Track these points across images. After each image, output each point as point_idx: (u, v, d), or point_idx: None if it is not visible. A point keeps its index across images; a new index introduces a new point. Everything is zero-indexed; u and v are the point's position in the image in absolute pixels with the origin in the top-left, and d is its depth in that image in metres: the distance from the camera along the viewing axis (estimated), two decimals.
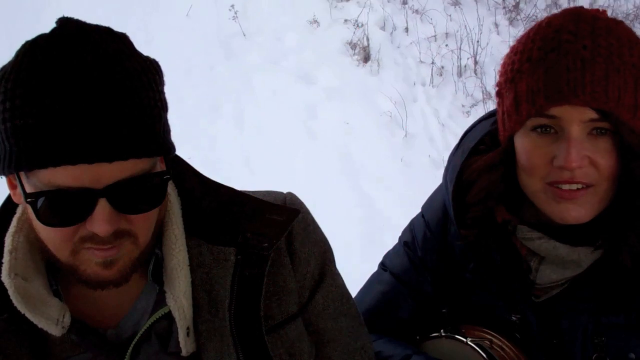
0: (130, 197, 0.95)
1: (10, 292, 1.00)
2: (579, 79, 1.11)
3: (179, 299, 1.05)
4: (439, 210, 1.44)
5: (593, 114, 1.13)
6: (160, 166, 1.01)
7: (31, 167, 0.90)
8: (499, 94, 1.27)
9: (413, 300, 1.48)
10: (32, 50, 0.92)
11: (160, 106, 0.97)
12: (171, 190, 1.11)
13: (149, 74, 0.96)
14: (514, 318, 1.35)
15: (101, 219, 0.93)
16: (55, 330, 1.01)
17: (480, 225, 1.32)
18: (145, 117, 0.93)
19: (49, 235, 0.97)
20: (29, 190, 0.94)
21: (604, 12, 1.20)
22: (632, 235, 1.20)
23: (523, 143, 1.22)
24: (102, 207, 0.92)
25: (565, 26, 1.16)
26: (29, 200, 0.93)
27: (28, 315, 1.00)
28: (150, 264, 1.08)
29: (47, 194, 0.92)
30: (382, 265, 1.57)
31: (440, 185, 1.46)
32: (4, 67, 0.94)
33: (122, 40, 0.96)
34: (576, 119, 1.13)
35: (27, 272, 1.03)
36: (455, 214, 1.35)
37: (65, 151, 0.87)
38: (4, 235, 1.05)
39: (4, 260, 1.02)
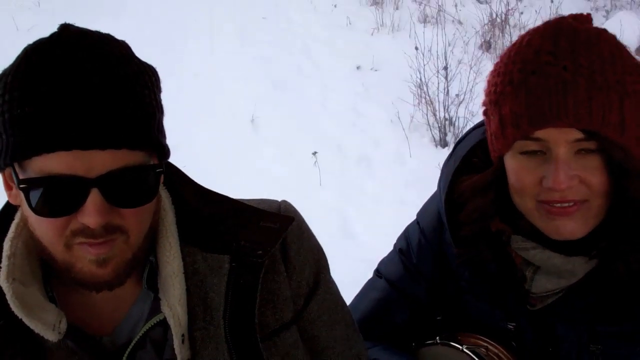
0: (122, 189, 0.96)
1: (8, 296, 1.01)
2: (562, 102, 1.09)
3: (174, 307, 1.06)
4: (434, 218, 1.44)
5: (579, 134, 1.11)
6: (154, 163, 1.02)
7: (26, 154, 0.92)
8: (485, 114, 1.26)
9: (408, 307, 1.48)
10: (32, 49, 0.95)
11: (154, 105, 0.99)
12: (165, 198, 1.12)
13: (145, 75, 0.99)
14: (509, 326, 1.35)
15: (92, 209, 0.93)
16: (51, 336, 1.02)
17: (474, 243, 1.31)
18: (139, 110, 0.95)
19: (42, 229, 0.98)
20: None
21: (588, 18, 1.17)
22: (626, 248, 1.19)
23: (512, 165, 1.21)
24: (94, 198, 0.93)
25: (544, 46, 1.13)
26: (21, 186, 0.94)
27: (25, 320, 1.01)
28: (145, 271, 1.09)
29: (40, 180, 0.93)
30: (377, 272, 1.57)
31: (435, 193, 1.46)
32: (5, 69, 0.97)
33: (121, 44, 0.99)
34: (562, 140, 1.12)
35: (24, 277, 1.03)
36: (449, 228, 1.35)
37: (60, 137, 0.90)
38: (3, 240, 1.06)
39: (2, 265, 1.03)
